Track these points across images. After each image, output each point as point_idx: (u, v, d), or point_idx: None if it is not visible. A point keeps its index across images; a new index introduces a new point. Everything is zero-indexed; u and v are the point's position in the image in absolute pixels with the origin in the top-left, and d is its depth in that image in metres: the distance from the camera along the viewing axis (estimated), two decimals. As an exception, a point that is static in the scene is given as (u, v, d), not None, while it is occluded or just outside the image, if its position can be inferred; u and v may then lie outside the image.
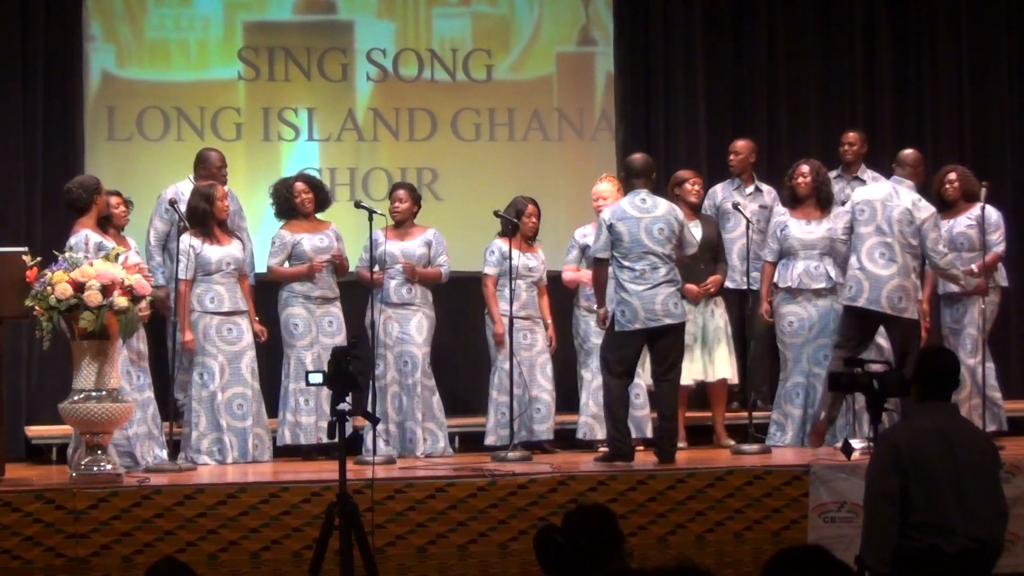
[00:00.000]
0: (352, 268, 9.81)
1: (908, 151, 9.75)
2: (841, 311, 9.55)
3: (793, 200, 10.00)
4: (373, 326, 9.50)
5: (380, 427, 9.42)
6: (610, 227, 8.96)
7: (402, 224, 9.80)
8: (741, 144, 10.80)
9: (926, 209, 9.43)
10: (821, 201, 9.94)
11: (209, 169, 9.83)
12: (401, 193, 9.86)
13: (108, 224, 9.22)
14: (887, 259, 9.29)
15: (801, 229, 9.90)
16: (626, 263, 8.92)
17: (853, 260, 9.39)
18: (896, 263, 9.29)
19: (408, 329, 9.64)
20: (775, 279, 9.90)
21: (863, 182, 10.70)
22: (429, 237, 9.83)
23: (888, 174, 11.04)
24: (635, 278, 8.89)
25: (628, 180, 9.18)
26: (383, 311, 9.64)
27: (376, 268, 9.59)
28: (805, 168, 9.97)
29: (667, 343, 8.96)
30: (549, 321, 10.01)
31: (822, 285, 9.82)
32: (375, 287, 9.59)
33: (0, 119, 10.58)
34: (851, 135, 10.88)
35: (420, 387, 9.61)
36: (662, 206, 9.07)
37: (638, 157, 9.34)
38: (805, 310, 9.83)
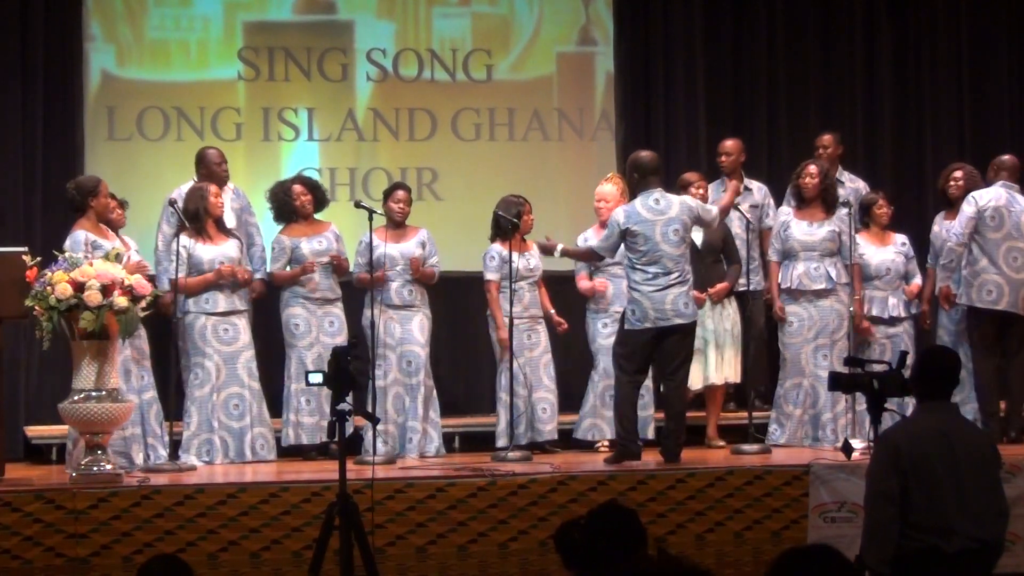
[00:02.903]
0: (351, 269, 9.78)
1: (1006, 156, 10.03)
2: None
3: (799, 200, 9.99)
4: (373, 327, 9.49)
5: (380, 427, 9.42)
6: (625, 231, 8.91)
7: (401, 225, 9.80)
8: (731, 144, 10.71)
9: None
10: (827, 203, 9.93)
11: (208, 167, 9.84)
12: (404, 194, 9.83)
13: (108, 226, 9.22)
14: (1020, 263, 9.71)
15: (802, 230, 9.89)
16: (639, 265, 8.90)
17: (985, 264, 9.70)
18: None
19: (410, 330, 9.64)
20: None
21: (841, 183, 10.66)
22: (423, 237, 9.81)
23: (889, 173, 11.07)
24: (647, 280, 8.87)
25: (643, 179, 9.03)
26: (384, 312, 9.64)
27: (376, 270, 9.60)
28: (813, 169, 9.96)
29: (675, 342, 8.95)
30: (552, 311, 9.98)
31: (822, 286, 9.82)
32: (376, 287, 9.57)
33: (0, 119, 10.58)
34: (825, 137, 10.81)
35: (423, 387, 9.61)
36: (675, 205, 9.00)
37: (647, 155, 9.22)
38: (805, 311, 9.83)
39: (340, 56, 11.27)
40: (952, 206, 10.19)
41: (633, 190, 9.18)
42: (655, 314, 8.86)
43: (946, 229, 10.10)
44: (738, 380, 10.04)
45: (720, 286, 9.81)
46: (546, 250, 9.40)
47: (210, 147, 10.09)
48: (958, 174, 10.20)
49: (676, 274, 8.90)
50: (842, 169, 10.81)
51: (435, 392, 9.72)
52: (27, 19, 10.65)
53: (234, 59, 11.12)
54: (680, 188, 9.95)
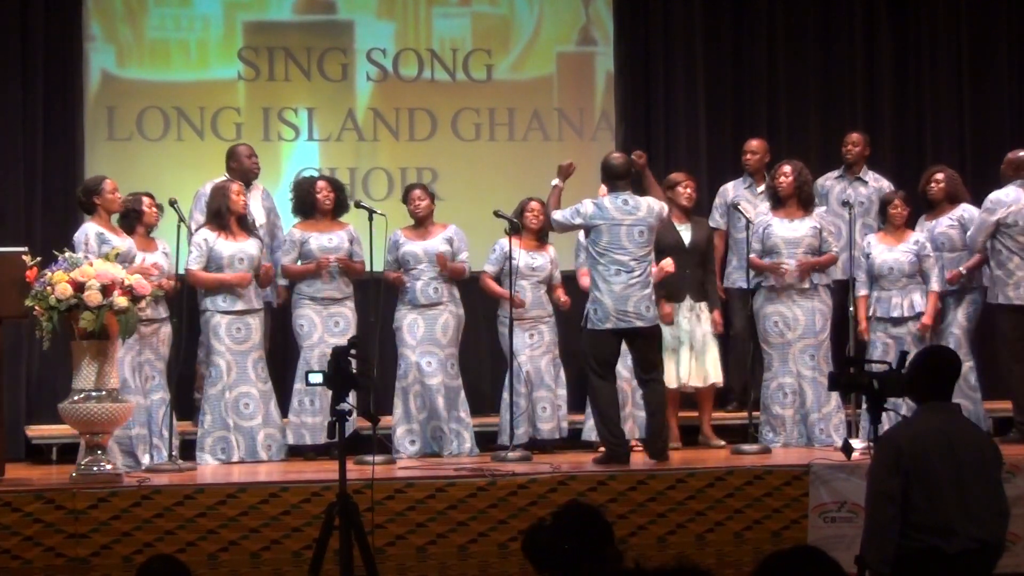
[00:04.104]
0: (375, 268, 9.73)
1: (1022, 153, 10.02)
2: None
3: (775, 200, 10.00)
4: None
5: (407, 427, 9.47)
6: (590, 226, 8.96)
7: (423, 222, 9.79)
8: (757, 144, 10.77)
9: None
10: (802, 201, 9.93)
11: (239, 160, 9.99)
12: (419, 191, 9.87)
13: (138, 223, 9.26)
14: None
15: (785, 228, 9.89)
16: (602, 261, 8.95)
17: (1018, 262, 9.76)
18: None
19: (433, 331, 9.61)
20: (759, 278, 9.92)
21: (864, 183, 10.72)
22: (450, 234, 9.81)
23: (890, 173, 11.07)
24: (610, 276, 8.91)
25: (611, 183, 9.12)
26: (408, 313, 9.63)
27: (399, 270, 9.64)
28: (787, 168, 9.97)
29: (643, 346, 9.00)
30: (560, 291, 9.98)
31: (806, 285, 9.82)
32: (398, 287, 9.62)
33: (0, 119, 10.58)
34: (854, 136, 10.87)
35: (444, 388, 9.58)
36: (643, 206, 9.07)
37: (617, 158, 9.29)
38: (789, 309, 9.82)
39: (340, 56, 11.27)
40: (932, 208, 10.22)
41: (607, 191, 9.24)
42: (616, 314, 8.89)
43: (927, 230, 10.13)
44: (722, 382, 10.01)
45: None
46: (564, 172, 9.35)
47: (241, 143, 10.22)
48: (939, 176, 10.20)
49: (639, 273, 8.94)
50: (867, 168, 10.82)
51: (463, 392, 9.71)
52: (27, 19, 10.64)
53: (234, 59, 11.13)
54: (667, 188, 9.96)
